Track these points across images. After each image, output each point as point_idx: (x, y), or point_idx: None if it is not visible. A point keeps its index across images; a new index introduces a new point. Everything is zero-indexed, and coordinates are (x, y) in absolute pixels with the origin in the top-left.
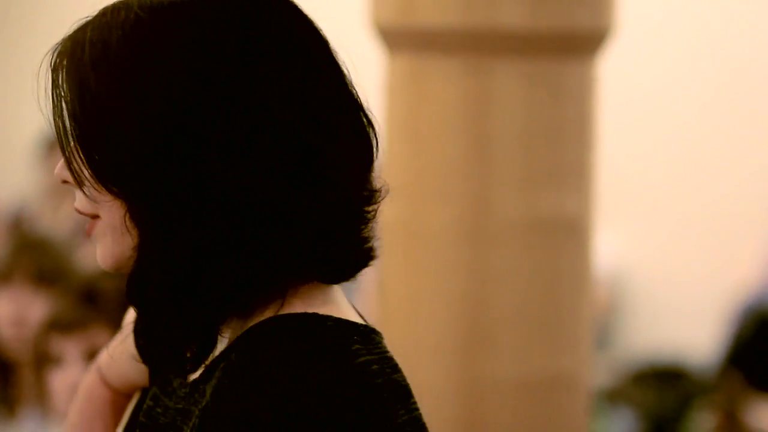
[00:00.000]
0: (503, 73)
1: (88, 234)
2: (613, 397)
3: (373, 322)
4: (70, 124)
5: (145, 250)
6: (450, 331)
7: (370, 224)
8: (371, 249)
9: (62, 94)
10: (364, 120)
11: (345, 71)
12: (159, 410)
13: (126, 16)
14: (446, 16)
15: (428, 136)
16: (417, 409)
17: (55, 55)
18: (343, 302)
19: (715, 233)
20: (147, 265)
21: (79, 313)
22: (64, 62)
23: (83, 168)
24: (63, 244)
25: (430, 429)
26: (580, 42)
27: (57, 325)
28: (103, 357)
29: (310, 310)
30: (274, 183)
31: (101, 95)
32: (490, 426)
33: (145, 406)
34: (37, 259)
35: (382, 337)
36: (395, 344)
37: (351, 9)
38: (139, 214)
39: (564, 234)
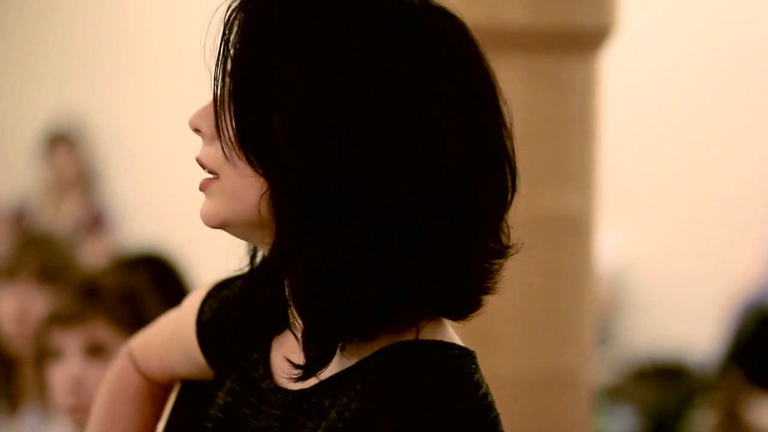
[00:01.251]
0: (506, 70)
1: (201, 188)
2: (615, 394)
3: None
4: (228, 80)
5: (282, 239)
6: (451, 327)
7: (496, 275)
8: (485, 297)
9: (230, 49)
10: (509, 172)
11: (507, 120)
12: (246, 410)
13: None
14: None
15: None
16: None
17: (233, 9)
18: (450, 326)
19: (717, 230)
20: (283, 258)
21: (79, 307)
22: (243, 18)
23: (227, 126)
24: (66, 240)
25: None
26: (583, 39)
27: (57, 319)
28: (139, 344)
29: (436, 337)
30: (431, 211)
31: (275, 59)
32: None
33: (220, 401)
34: (41, 256)
35: (477, 358)
36: None
37: None
38: (280, 201)
39: (566, 231)
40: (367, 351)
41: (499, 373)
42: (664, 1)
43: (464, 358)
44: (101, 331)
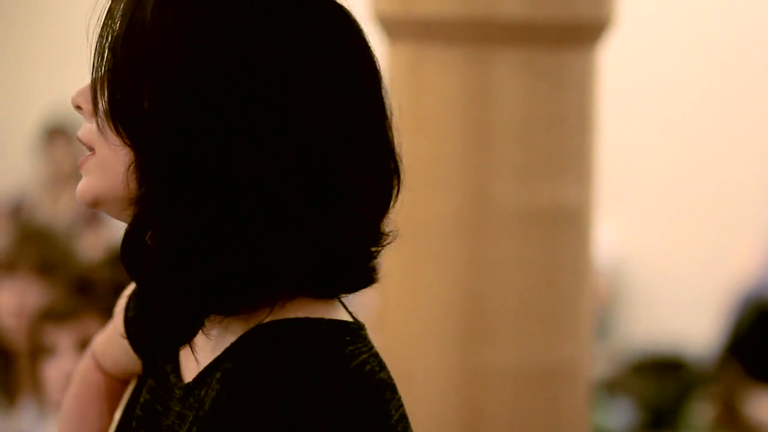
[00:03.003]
0: (503, 63)
1: (80, 166)
2: (613, 387)
3: (362, 310)
4: (107, 55)
5: (143, 210)
6: (450, 321)
7: (373, 260)
8: (370, 277)
9: (112, 24)
10: (392, 165)
11: (389, 113)
12: (159, 408)
13: None
14: (446, 6)
15: (428, 126)
16: (402, 405)
17: None
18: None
19: (715, 224)
20: (142, 227)
21: (72, 303)
22: None
23: (101, 100)
24: (65, 233)
25: (430, 419)
26: (580, 32)
27: (50, 315)
28: (98, 342)
29: (301, 315)
30: (293, 190)
31: (149, 34)
32: (490, 417)
33: (142, 399)
34: (40, 250)
35: (366, 331)
36: (395, 335)
37: None
38: (144, 171)
39: (564, 224)
40: (234, 338)
41: (497, 367)
42: None
43: (333, 330)
44: (94, 326)
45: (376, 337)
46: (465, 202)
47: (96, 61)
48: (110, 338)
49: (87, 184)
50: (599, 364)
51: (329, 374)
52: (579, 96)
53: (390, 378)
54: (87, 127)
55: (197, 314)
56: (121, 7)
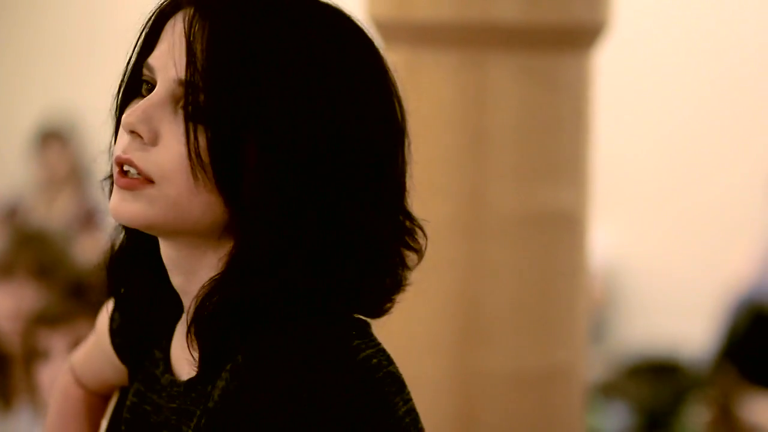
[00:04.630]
0: (499, 67)
1: (127, 186)
2: (608, 390)
3: None
4: (201, 94)
5: (246, 259)
6: (445, 324)
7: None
8: (388, 309)
9: (194, 48)
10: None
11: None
12: (148, 407)
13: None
14: (442, 10)
15: (423, 130)
16: (411, 400)
17: (194, 14)
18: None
19: (710, 227)
20: (232, 277)
21: (65, 307)
22: (210, 28)
23: (192, 141)
24: (60, 237)
25: (426, 423)
26: (576, 35)
27: (44, 319)
28: (77, 357)
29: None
30: (372, 232)
31: (258, 85)
32: (485, 420)
33: (128, 402)
34: (36, 254)
35: (372, 328)
36: (391, 338)
37: (347, 2)
38: (248, 225)
39: (559, 228)
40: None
41: (493, 370)
42: None
43: (340, 325)
44: (89, 330)
45: None
46: (461, 206)
47: (172, 92)
48: (91, 353)
49: (142, 211)
50: (595, 367)
51: (336, 365)
52: (575, 100)
53: (398, 372)
54: (145, 156)
55: (257, 327)
56: (204, 39)
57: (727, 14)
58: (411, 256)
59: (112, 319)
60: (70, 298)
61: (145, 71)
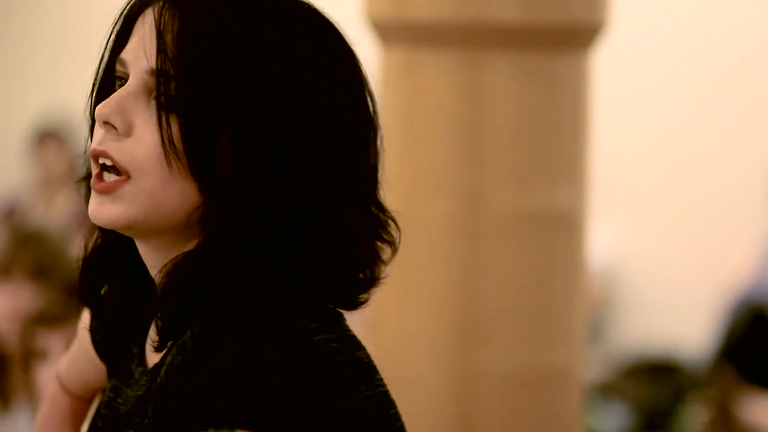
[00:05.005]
0: (497, 67)
1: (103, 190)
2: (607, 391)
3: (356, 313)
4: (171, 83)
5: (215, 248)
6: (443, 324)
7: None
8: (363, 302)
9: (164, 37)
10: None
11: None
12: (120, 400)
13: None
14: (440, 10)
15: (421, 130)
16: (382, 386)
17: (164, 4)
18: None
19: (708, 227)
20: (199, 259)
21: (63, 307)
22: (180, 18)
23: (164, 129)
24: (59, 237)
25: (424, 423)
26: (574, 35)
27: (42, 319)
28: (62, 365)
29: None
30: (345, 222)
31: (229, 73)
32: (484, 420)
33: (104, 398)
34: (34, 254)
35: (344, 319)
36: (388, 338)
37: (345, 2)
38: (220, 213)
39: (557, 228)
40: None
41: (491, 370)
42: None
43: (297, 309)
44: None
45: (370, 341)
46: (459, 206)
47: (144, 82)
48: (74, 357)
49: (122, 212)
50: (593, 367)
51: (286, 344)
52: (573, 99)
53: (367, 358)
54: (119, 147)
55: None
56: (175, 28)
57: (725, 13)
58: (385, 249)
59: (91, 319)
60: (68, 298)
61: (118, 67)
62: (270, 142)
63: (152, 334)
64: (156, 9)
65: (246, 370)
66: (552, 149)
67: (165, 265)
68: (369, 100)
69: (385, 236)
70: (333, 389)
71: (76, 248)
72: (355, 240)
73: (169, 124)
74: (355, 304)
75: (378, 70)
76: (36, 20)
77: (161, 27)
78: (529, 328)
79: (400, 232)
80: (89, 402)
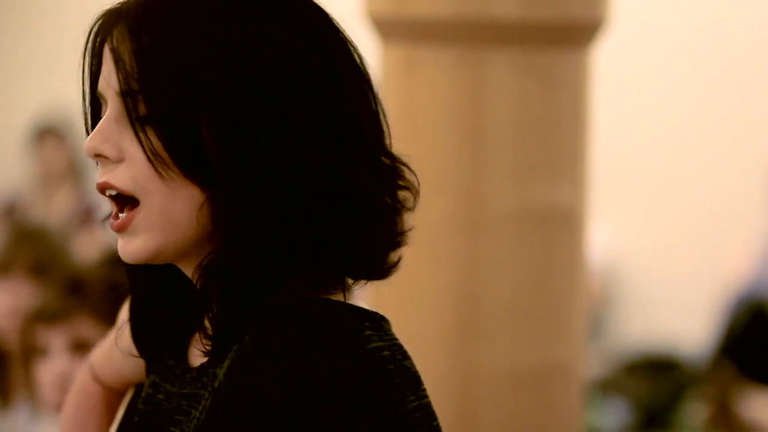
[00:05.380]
0: (497, 64)
1: (120, 228)
2: (606, 387)
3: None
4: (138, 98)
5: (228, 241)
6: (443, 322)
7: (385, 253)
8: (394, 264)
9: (120, 57)
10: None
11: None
12: (161, 396)
13: None
14: (440, 7)
15: (421, 127)
16: (426, 397)
17: (104, 18)
18: (349, 290)
19: (708, 224)
20: (225, 255)
21: (63, 304)
22: (124, 24)
23: (146, 146)
24: (59, 234)
25: None
26: (574, 32)
27: (42, 316)
28: (96, 354)
29: (321, 296)
30: (350, 178)
31: (191, 69)
32: (483, 417)
33: (143, 394)
34: (34, 251)
35: (390, 325)
36: None
37: None
38: (226, 206)
39: (557, 225)
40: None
41: (491, 367)
42: None
43: (352, 314)
44: (86, 327)
45: None
46: (458, 203)
47: (119, 105)
48: (111, 349)
49: (144, 244)
50: (593, 364)
51: (343, 351)
52: (573, 96)
53: (414, 368)
54: (118, 174)
55: (265, 299)
56: (128, 45)
57: (725, 11)
58: (408, 198)
59: (132, 313)
60: (68, 295)
61: (101, 101)
62: (251, 121)
63: (202, 335)
64: (111, 34)
65: (305, 379)
66: (552, 146)
67: (198, 266)
68: (351, 52)
69: (402, 183)
70: (386, 398)
71: (77, 245)
72: (368, 193)
73: (149, 138)
74: (385, 269)
75: (378, 68)
76: (35, 17)
77: (117, 49)
78: (529, 325)
79: (416, 176)
80: (122, 395)
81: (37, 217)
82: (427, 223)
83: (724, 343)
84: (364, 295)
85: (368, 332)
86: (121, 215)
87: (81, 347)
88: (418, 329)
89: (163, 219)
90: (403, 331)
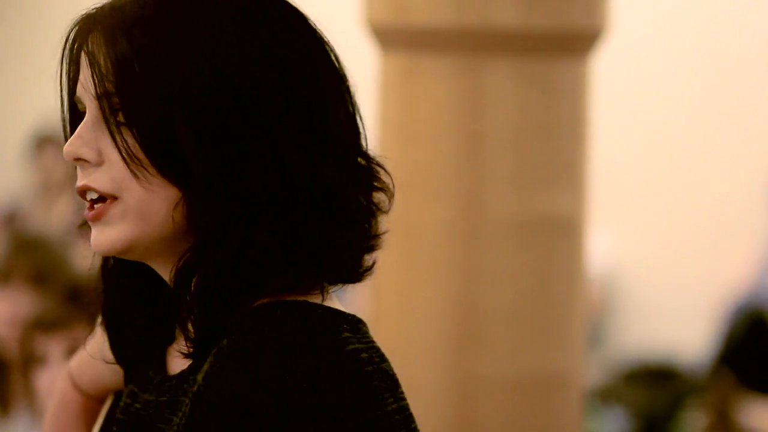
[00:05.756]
0: (496, 72)
1: (95, 217)
2: (606, 396)
3: (364, 317)
4: (113, 100)
5: (207, 241)
6: (442, 329)
7: (373, 240)
8: (369, 268)
9: (96, 61)
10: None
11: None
12: (138, 405)
13: None
14: (439, 15)
15: (421, 135)
16: (404, 399)
17: (80, 24)
18: (327, 293)
19: (707, 232)
20: (201, 256)
21: (63, 313)
22: (99, 29)
23: (122, 146)
24: (59, 243)
25: (423, 428)
26: (574, 41)
27: (41, 325)
28: (74, 362)
29: (299, 298)
30: (327, 179)
31: (160, 67)
32: (483, 425)
33: (121, 404)
34: (34, 260)
35: (368, 328)
36: (388, 342)
37: (344, 8)
38: (202, 205)
39: (556, 233)
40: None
41: (490, 375)
42: (655, 4)
43: (329, 316)
44: (85, 336)
45: None
46: (458, 211)
47: (96, 109)
48: (89, 358)
49: (117, 235)
50: (592, 372)
51: (322, 353)
52: (572, 105)
53: (391, 371)
54: (96, 176)
55: (247, 303)
56: (102, 48)
57: (724, 19)
58: (383, 199)
59: (107, 321)
60: (68, 304)
61: (80, 106)
62: (227, 120)
63: (183, 337)
64: (87, 39)
65: (284, 382)
66: (551, 154)
67: (172, 269)
68: (327, 53)
69: (377, 184)
70: (365, 401)
71: (76, 254)
72: (345, 194)
73: (125, 140)
74: (358, 272)
75: (377, 76)
76: (36, 25)
77: (93, 52)
78: (529, 332)
79: (391, 177)
80: (101, 402)
81: (37, 225)
82: (426, 230)
83: (723, 351)
84: (348, 297)
85: (346, 334)
86: (96, 206)
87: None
88: (418, 336)
89: (139, 213)
90: (402, 338)
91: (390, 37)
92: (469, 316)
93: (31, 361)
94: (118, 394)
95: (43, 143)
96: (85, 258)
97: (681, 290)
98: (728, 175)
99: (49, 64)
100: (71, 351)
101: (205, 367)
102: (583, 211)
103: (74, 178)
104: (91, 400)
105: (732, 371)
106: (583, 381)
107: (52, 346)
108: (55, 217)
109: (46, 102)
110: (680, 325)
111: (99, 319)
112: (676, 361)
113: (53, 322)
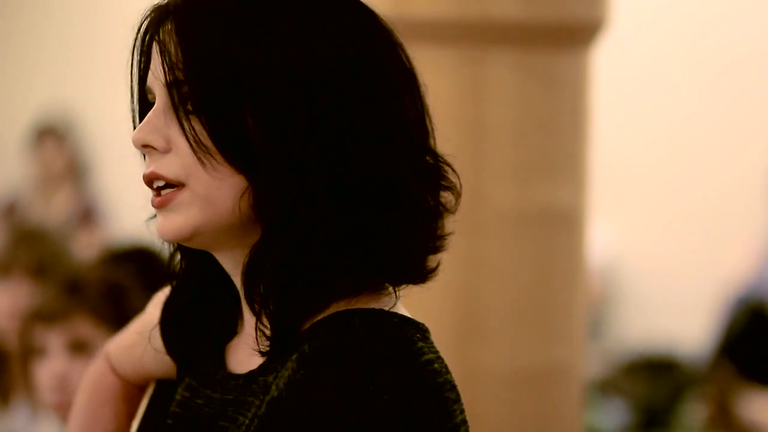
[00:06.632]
0: (497, 64)
1: (162, 204)
2: (606, 388)
3: None
4: (183, 88)
5: (273, 233)
6: (443, 322)
7: (440, 244)
8: (434, 269)
9: (167, 49)
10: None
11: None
12: (200, 401)
13: None
14: (440, 7)
15: None
16: (464, 410)
17: (151, 15)
18: (398, 301)
19: (708, 225)
20: (269, 248)
21: (61, 304)
22: (171, 18)
23: (190, 134)
24: (59, 235)
25: None
26: (575, 33)
27: (40, 316)
28: (113, 346)
29: (376, 306)
30: (394, 176)
31: (232, 55)
32: (484, 417)
33: (179, 397)
34: (34, 252)
35: (431, 334)
36: None
37: None
38: (268, 196)
39: (557, 225)
40: (306, 325)
41: (490, 368)
42: None
43: (405, 326)
44: (84, 327)
45: None
46: (459, 203)
47: (166, 96)
48: (133, 342)
49: (183, 221)
50: (592, 364)
51: (402, 364)
52: (573, 97)
53: (454, 382)
54: (164, 163)
55: (321, 303)
56: (174, 37)
57: (725, 12)
58: (449, 199)
59: (164, 311)
60: (67, 296)
61: (150, 96)
62: (296, 112)
63: (259, 334)
64: (159, 29)
65: (366, 393)
66: (552, 147)
67: (240, 261)
68: (399, 52)
69: (444, 183)
70: (439, 413)
71: (76, 245)
72: (413, 192)
73: (193, 128)
74: (424, 271)
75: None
76: (36, 18)
77: (163, 41)
78: (529, 325)
79: (458, 177)
80: (141, 388)
81: (37, 217)
82: None
83: (723, 343)
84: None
85: (420, 344)
86: (163, 192)
87: (79, 347)
88: None
89: (206, 200)
90: None
91: None
92: (469, 308)
93: (30, 352)
94: (162, 384)
95: (43, 135)
96: (85, 249)
97: (681, 282)
98: (728, 167)
99: (49, 56)
100: (71, 343)
101: (287, 372)
102: (584, 203)
103: (73, 170)
104: (130, 386)
105: (732, 363)
106: (584, 373)
107: (52, 338)
108: (54, 209)
109: (46, 94)
110: (680, 317)
111: (149, 306)
112: (677, 353)
113: (53, 313)
